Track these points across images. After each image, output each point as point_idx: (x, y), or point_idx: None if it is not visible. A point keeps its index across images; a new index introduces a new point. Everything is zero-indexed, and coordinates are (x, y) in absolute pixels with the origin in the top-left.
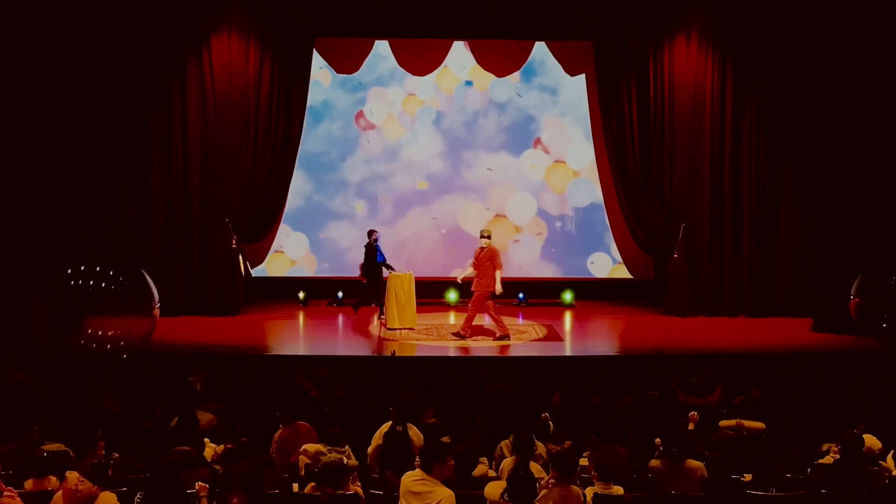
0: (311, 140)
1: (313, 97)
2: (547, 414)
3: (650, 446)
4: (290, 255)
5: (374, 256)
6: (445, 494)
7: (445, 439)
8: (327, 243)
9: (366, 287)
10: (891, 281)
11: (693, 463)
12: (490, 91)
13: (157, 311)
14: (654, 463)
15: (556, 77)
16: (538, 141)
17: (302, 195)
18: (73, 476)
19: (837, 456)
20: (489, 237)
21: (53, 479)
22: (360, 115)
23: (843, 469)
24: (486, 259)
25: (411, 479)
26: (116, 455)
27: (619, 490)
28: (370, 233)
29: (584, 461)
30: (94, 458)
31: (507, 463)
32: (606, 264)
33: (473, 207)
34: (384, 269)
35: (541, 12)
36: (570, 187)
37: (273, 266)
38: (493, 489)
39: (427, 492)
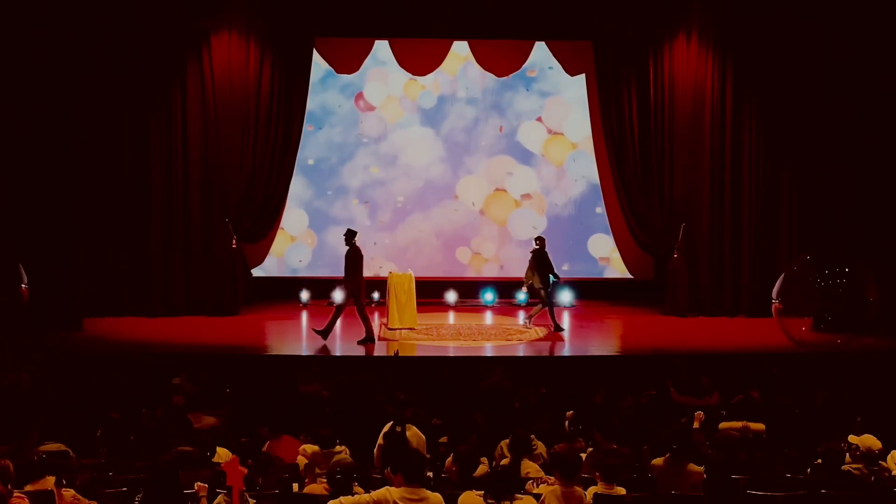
0: (311, 145)
1: (312, 100)
2: (572, 412)
3: (650, 446)
4: (290, 231)
5: (547, 262)
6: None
7: (444, 439)
8: (327, 249)
9: (539, 291)
10: (811, 284)
11: (694, 467)
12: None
13: (24, 290)
14: (657, 461)
15: (555, 81)
16: (539, 119)
17: (302, 200)
18: (68, 494)
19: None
20: (352, 237)
21: (51, 479)
22: (359, 96)
23: (821, 473)
24: (348, 261)
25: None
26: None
27: (621, 491)
28: (538, 239)
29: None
30: (94, 459)
31: (507, 463)
32: (607, 244)
33: (473, 181)
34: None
35: (540, 12)
36: (568, 160)
37: (273, 244)
38: (468, 499)
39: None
